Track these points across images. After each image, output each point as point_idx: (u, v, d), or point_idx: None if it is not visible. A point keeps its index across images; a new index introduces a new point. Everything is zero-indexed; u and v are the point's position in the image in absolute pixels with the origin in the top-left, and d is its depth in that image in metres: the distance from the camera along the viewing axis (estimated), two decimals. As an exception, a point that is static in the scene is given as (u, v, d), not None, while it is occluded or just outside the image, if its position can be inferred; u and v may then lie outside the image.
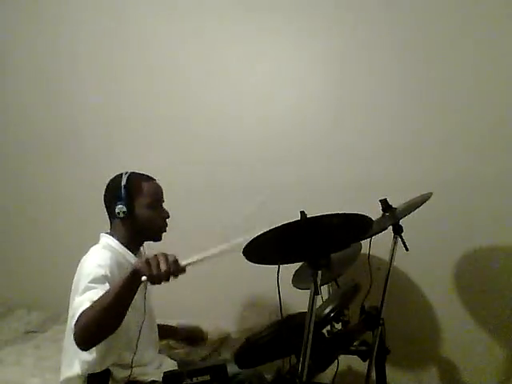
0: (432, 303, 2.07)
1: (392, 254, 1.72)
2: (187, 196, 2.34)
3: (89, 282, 1.36)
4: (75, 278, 1.46)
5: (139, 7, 2.45)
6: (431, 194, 1.72)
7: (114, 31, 2.50)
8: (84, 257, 1.50)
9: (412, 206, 1.69)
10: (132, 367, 1.47)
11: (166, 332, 1.80)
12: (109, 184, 1.58)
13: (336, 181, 2.14)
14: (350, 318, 1.62)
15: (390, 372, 1.84)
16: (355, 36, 2.12)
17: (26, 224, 2.74)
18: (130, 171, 1.58)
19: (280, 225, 1.16)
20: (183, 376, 1.29)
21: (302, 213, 1.25)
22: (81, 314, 1.26)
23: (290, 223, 1.17)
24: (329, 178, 2.15)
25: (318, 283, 1.27)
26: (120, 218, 1.52)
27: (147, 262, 1.18)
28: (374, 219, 1.35)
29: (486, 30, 1.95)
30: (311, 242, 1.24)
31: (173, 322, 2.08)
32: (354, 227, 1.31)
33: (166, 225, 1.60)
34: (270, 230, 1.16)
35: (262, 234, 1.16)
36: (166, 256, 1.19)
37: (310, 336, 1.28)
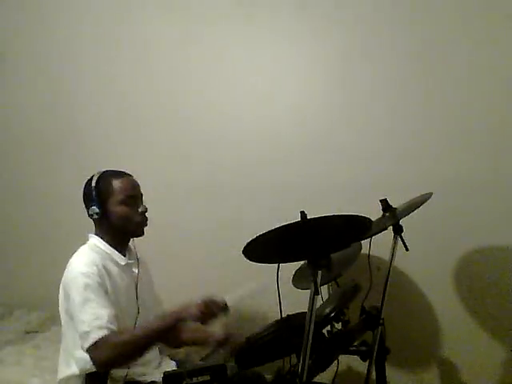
0: (432, 303, 2.07)
1: (392, 254, 1.72)
2: (187, 196, 2.34)
3: (84, 291, 1.37)
4: (63, 280, 1.46)
5: (139, 7, 2.45)
6: (431, 194, 1.72)
7: (114, 31, 2.50)
8: (71, 258, 1.50)
9: (412, 206, 1.69)
10: (130, 367, 1.47)
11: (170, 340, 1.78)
12: (83, 187, 1.59)
13: (336, 181, 2.14)
14: (350, 318, 1.61)
15: (390, 372, 1.83)
16: (356, 36, 2.12)
17: (26, 224, 2.74)
18: (102, 170, 1.58)
19: (280, 225, 1.16)
20: (183, 376, 1.29)
21: (302, 213, 1.25)
22: (100, 342, 1.30)
23: (290, 224, 1.17)
24: (329, 178, 2.15)
25: (318, 283, 1.27)
26: (95, 219, 1.53)
27: (201, 311, 1.33)
28: (373, 219, 1.36)
29: (486, 30, 1.95)
30: (311, 242, 1.24)
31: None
32: (354, 227, 1.31)
33: (145, 219, 1.57)
34: (271, 231, 1.16)
35: (262, 234, 1.16)
36: (214, 301, 1.36)
37: (310, 336, 1.28)
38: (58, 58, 2.62)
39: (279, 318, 1.42)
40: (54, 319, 2.37)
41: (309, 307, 1.28)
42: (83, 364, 1.41)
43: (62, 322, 1.49)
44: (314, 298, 1.27)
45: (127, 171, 1.60)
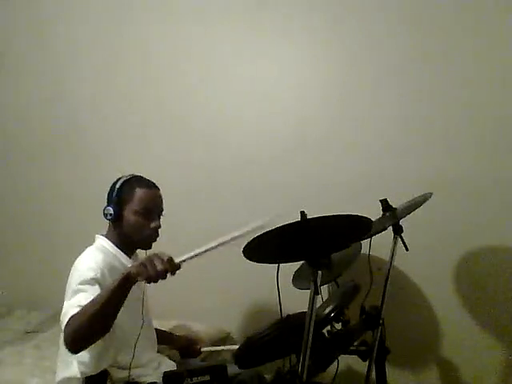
0: (432, 303, 2.07)
1: (392, 254, 1.72)
2: (187, 196, 2.34)
3: (78, 285, 1.36)
4: (68, 279, 1.46)
5: (140, 7, 2.45)
6: (431, 194, 1.72)
7: (114, 32, 2.50)
8: (78, 257, 1.50)
9: (412, 206, 1.69)
10: (130, 368, 1.47)
11: (162, 338, 1.79)
12: (110, 186, 1.58)
13: (336, 181, 2.14)
14: (350, 318, 1.61)
15: (390, 372, 1.84)
16: (356, 36, 2.12)
17: (26, 224, 2.73)
18: (133, 175, 1.58)
19: (280, 225, 1.16)
20: (183, 376, 1.29)
21: (302, 213, 1.25)
22: (70, 317, 1.26)
23: (290, 223, 1.17)
24: (329, 178, 2.15)
25: (318, 283, 1.27)
26: (109, 219, 1.53)
27: (142, 264, 1.18)
28: (373, 219, 1.35)
29: (487, 29, 1.95)
30: (311, 242, 1.24)
31: (174, 323, 2.09)
32: (353, 227, 1.31)
33: (156, 235, 1.56)
34: (271, 230, 1.16)
35: (262, 234, 1.16)
36: (159, 255, 1.20)
37: (310, 336, 1.28)
38: (58, 58, 2.62)
39: (279, 317, 1.42)
40: (54, 319, 2.36)
41: (309, 307, 1.28)
42: (83, 367, 1.42)
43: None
44: (314, 297, 1.27)
45: (131, 174, 1.59)
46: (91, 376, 1.42)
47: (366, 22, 2.10)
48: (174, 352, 1.86)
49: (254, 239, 1.16)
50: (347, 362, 2.08)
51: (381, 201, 1.73)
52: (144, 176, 1.62)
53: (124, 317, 1.41)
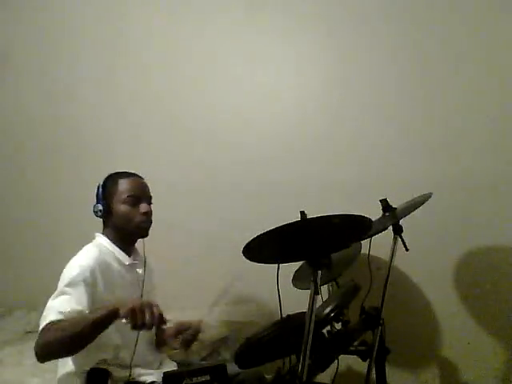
0: (432, 303, 2.07)
1: (392, 254, 1.72)
2: (187, 196, 2.34)
3: (64, 286, 1.37)
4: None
5: (140, 7, 2.45)
6: (431, 194, 1.72)
7: (114, 31, 2.50)
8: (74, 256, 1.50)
9: (412, 206, 1.69)
10: (131, 367, 1.47)
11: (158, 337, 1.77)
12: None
13: (336, 180, 2.14)
14: (350, 318, 1.61)
15: (390, 372, 1.84)
16: (355, 36, 2.12)
17: (25, 224, 2.73)
18: (116, 171, 1.59)
19: (280, 225, 1.16)
20: (183, 376, 1.29)
21: (302, 213, 1.25)
22: (48, 324, 1.26)
23: (290, 223, 1.17)
24: (329, 178, 2.15)
25: (318, 283, 1.27)
26: (100, 216, 1.55)
27: (132, 309, 1.18)
28: (373, 219, 1.35)
29: (486, 30, 1.95)
30: (311, 242, 1.24)
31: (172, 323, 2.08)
32: (354, 227, 1.31)
33: (148, 219, 1.57)
34: (271, 230, 1.16)
35: (262, 234, 1.16)
36: (151, 308, 1.20)
37: (310, 336, 1.28)
38: (59, 59, 2.62)
39: (279, 318, 1.42)
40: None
41: (309, 307, 1.28)
42: (78, 361, 1.42)
43: None
44: (314, 297, 1.27)
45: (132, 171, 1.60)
46: (92, 374, 1.43)
47: (366, 22, 2.10)
48: (175, 352, 1.85)
49: (254, 239, 1.16)
50: (347, 362, 2.08)
51: (381, 201, 1.73)
52: (143, 176, 1.63)
53: None
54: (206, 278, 2.24)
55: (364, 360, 1.71)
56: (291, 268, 1.85)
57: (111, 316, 1.21)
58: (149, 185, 1.63)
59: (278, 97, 2.25)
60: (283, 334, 1.38)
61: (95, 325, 1.22)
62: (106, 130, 2.54)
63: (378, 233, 1.62)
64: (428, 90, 2.03)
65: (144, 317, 1.17)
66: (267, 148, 2.26)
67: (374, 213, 1.68)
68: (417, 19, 2.04)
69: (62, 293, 1.36)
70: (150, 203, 1.60)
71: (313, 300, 1.27)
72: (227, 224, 2.26)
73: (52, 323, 1.26)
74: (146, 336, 1.57)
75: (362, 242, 1.88)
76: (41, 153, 2.68)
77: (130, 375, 1.48)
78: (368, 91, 2.11)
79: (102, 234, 1.58)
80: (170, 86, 2.40)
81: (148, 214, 1.57)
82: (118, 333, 1.45)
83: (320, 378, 1.47)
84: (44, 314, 1.31)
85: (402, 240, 1.70)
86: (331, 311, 1.52)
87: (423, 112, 2.04)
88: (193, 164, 2.37)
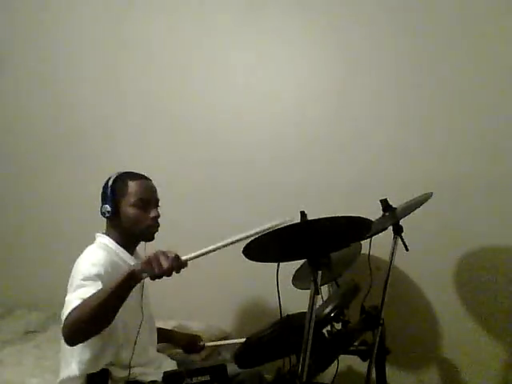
0: (432, 303, 2.07)
1: (392, 254, 1.72)
2: (187, 196, 2.34)
3: (81, 280, 1.36)
4: (70, 277, 1.46)
5: (139, 7, 2.45)
6: (431, 193, 1.72)
7: (115, 33, 2.50)
8: (79, 257, 1.50)
9: (412, 206, 1.69)
10: (130, 367, 1.47)
11: (163, 336, 1.80)
12: (102, 186, 1.58)
13: (336, 181, 2.14)
14: (350, 318, 1.61)
15: (390, 372, 1.84)
16: (356, 36, 2.12)
17: (26, 224, 2.74)
18: (121, 171, 1.58)
19: (280, 227, 1.16)
20: (183, 376, 1.29)
21: (302, 213, 1.25)
22: (71, 310, 1.26)
23: (290, 224, 1.17)
24: (329, 178, 2.15)
25: (318, 283, 1.27)
26: (107, 217, 1.53)
27: (148, 261, 1.18)
28: (373, 219, 1.36)
29: (486, 30, 1.95)
30: (311, 242, 1.24)
31: (174, 323, 2.09)
32: (353, 227, 1.31)
33: (157, 225, 1.57)
34: (270, 232, 1.16)
35: (262, 235, 1.16)
36: (165, 253, 1.19)
37: (310, 336, 1.28)
38: (58, 58, 2.62)
39: (279, 317, 1.42)
40: (54, 319, 2.36)
41: (309, 307, 1.28)
42: (82, 366, 1.42)
43: None
44: (314, 297, 1.27)
45: (119, 171, 1.59)
46: (93, 375, 1.42)
47: (366, 22, 2.10)
48: (175, 351, 1.86)
49: (254, 239, 1.16)
50: (347, 362, 2.08)
51: (381, 201, 1.73)
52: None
53: (126, 315, 1.41)
54: (206, 278, 2.24)
55: (364, 360, 1.71)
56: (291, 268, 1.85)
57: (130, 276, 1.20)
58: (149, 185, 1.63)
59: (277, 97, 2.25)
60: (283, 334, 1.38)
61: (117, 289, 1.21)
62: (106, 129, 2.55)
63: (378, 233, 1.62)
64: (428, 89, 2.03)
65: (160, 263, 1.17)
66: (267, 148, 2.26)
67: (374, 213, 1.68)
68: (418, 19, 2.04)
69: (80, 286, 1.35)
70: (157, 206, 1.60)
71: (313, 300, 1.27)
72: (227, 224, 2.26)
73: (74, 309, 1.26)
74: (146, 335, 1.57)
75: (361, 242, 1.88)
76: (41, 153, 2.68)
77: (129, 375, 1.48)
78: (368, 91, 2.11)
79: (105, 234, 1.57)
80: (170, 86, 2.40)
81: (157, 218, 1.57)
82: (122, 330, 1.45)
83: (320, 378, 1.47)
84: (65, 305, 1.31)
85: (402, 240, 1.70)
86: (331, 311, 1.52)
87: (423, 112, 2.04)
88: (193, 164, 2.37)
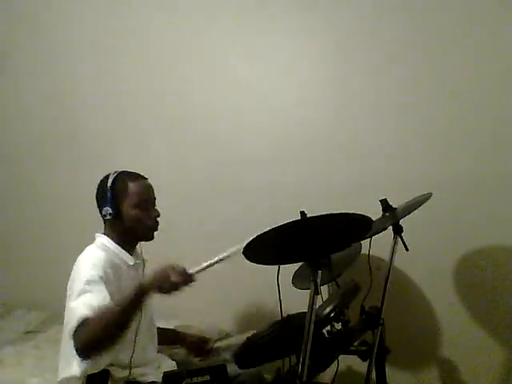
0: (432, 303, 2.07)
1: (392, 254, 1.72)
2: (187, 196, 2.34)
3: (84, 285, 1.36)
4: (70, 278, 1.46)
5: (139, 6, 2.45)
6: (431, 194, 1.72)
7: (114, 32, 2.50)
8: (79, 257, 1.50)
9: (412, 206, 1.69)
10: (131, 367, 1.47)
11: (167, 337, 1.79)
12: (98, 186, 1.58)
13: (336, 180, 2.14)
14: (350, 318, 1.61)
15: (390, 372, 1.84)
16: (355, 36, 2.12)
17: (25, 224, 2.74)
18: (118, 171, 1.57)
19: (280, 225, 1.16)
20: (183, 376, 1.29)
21: (302, 213, 1.25)
22: (81, 323, 1.27)
23: (289, 223, 1.17)
24: (329, 178, 2.15)
25: (318, 283, 1.27)
26: (107, 219, 1.53)
27: (156, 276, 1.23)
28: (374, 219, 1.35)
29: (486, 29, 1.95)
30: (311, 242, 1.24)
31: (177, 322, 2.08)
32: (354, 227, 1.31)
33: (157, 224, 1.58)
34: (270, 230, 1.16)
35: (262, 234, 1.16)
36: (173, 268, 1.23)
37: (310, 336, 1.28)
38: (58, 58, 2.62)
39: (279, 317, 1.42)
40: (54, 319, 2.37)
41: (309, 307, 1.28)
42: (84, 366, 1.41)
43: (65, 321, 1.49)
44: (314, 297, 1.27)
45: (116, 171, 1.58)
46: (93, 376, 1.42)
47: (366, 22, 2.10)
48: (175, 351, 1.85)
49: (254, 239, 1.16)
50: (347, 362, 2.08)
51: (381, 201, 1.73)
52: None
53: None
54: (206, 278, 2.24)
55: (364, 360, 1.71)
56: (291, 268, 1.85)
57: (140, 293, 1.25)
58: (149, 185, 1.64)
59: (278, 97, 2.25)
60: (283, 334, 1.38)
61: (131, 309, 1.26)
62: (105, 130, 2.55)
63: (378, 233, 1.62)
64: (428, 89, 2.03)
65: (169, 279, 1.21)
66: (267, 148, 2.25)
67: (374, 213, 1.68)
68: (418, 19, 2.03)
69: (84, 291, 1.36)
70: (155, 205, 1.60)
71: (313, 300, 1.27)
72: (227, 224, 2.26)
73: (86, 319, 1.28)
74: (146, 335, 1.57)
75: (361, 241, 1.88)
76: (41, 152, 2.68)
77: (129, 375, 1.48)
78: (368, 91, 2.11)
79: (104, 234, 1.57)
80: (170, 85, 2.40)
81: (158, 217, 1.58)
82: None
83: (320, 378, 1.47)
84: (72, 312, 1.32)
85: (402, 240, 1.70)
86: (331, 311, 1.52)
87: (423, 112, 2.04)
88: (193, 164, 2.37)
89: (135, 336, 1.48)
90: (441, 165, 2.02)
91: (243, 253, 1.20)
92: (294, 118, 2.22)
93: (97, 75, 2.55)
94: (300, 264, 1.88)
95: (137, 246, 1.63)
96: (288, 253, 1.31)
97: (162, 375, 1.33)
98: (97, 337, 1.25)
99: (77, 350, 1.27)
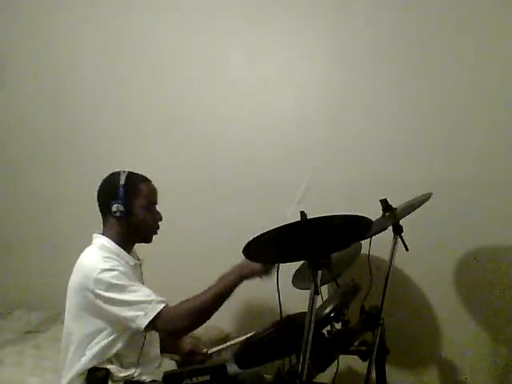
0: (432, 303, 2.07)
1: (392, 254, 1.72)
2: (187, 196, 2.34)
3: (114, 284, 1.40)
4: (74, 280, 1.46)
5: (139, 7, 2.45)
6: (431, 194, 1.72)
7: (114, 32, 2.50)
8: (80, 258, 1.50)
9: (412, 206, 1.69)
10: (137, 367, 1.48)
11: (169, 345, 1.79)
12: (105, 182, 1.58)
13: (336, 181, 2.14)
14: (350, 318, 1.61)
15: (390, 372, 1.83)
16: (355, 36, 2.12)
17: (26, 224, 2.74)
18: (127, 171, 1.58)
19: (280, 225, 1.16)
20: (183, 376, 1.29)
21: (302, 213, 1.25)
22: (165, 310, 1.40)
23: (290, 224, 1.17)
24: (329, 178, 2.15)
25: (318, 283, 1.27)
26: (115, 216, 1.53)
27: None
28: (373, 219, 1.35)
29: (485, 29, 1.95)
30: (311, 242, 1.24)
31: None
32: (354, 227, 1.31)
33: (158, 227, 1.61)
34: (271, 230, 1.16)
35: (262, 235, 1.16)
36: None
37: (310, 336, 1.28)
38: (58, 58, 2.62)
39: (279, 318, 1.42)
40: (54, 319, 2.37)
41: (309, 307, 1.28)
42: (97, 359, 1.43)
43: (69, 322, 1.49)
44: (313, 297, 1.27)
45: (124, 170, 1.59)
46: (93, 375, 1.43)
47: (367, 23, 2.10)
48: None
49: (254, 239, 1.16)
50: (347, 362, 2.08)
51: (381, 201, 1.73)
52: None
53: None
54: (206, 278, 2.24)
55: (364, 360, 1.70)
56: (291, 268, 1.85)
57: (239, 279, 1.44)
58: (149, 185, 1.64)
59: (278, 97, 2.25)
60: (283, 334, 1.38)
61: (224, 293, 1.45)
62: (106, 130, 2.55)
63: (377, 233, 1.62)
64: (428, 89, 2.03)
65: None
66: (267, 148, 2.25)
67: (374, 213, 1.68)
68: (418, 19, 2.03)
69: (122, 288, 1.41)
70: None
71: (313, 300, 1.27)
72: (227, 224, 2.26)
73: (166, 306, 1.41)
74: (146, 335, 1.57)
75: (361, 241, 1.88)
76: (41, 152, 2.68)
77: (129, 375, 1.48)
78: (368, 91, 2.11)
79: (102, 234, 1.57)
80: (171, 86, 2.40)
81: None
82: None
83: (320, 377, 1.47)
84: (131, 312, 1.39)
85: (402, 240, 1.70)
86: (331, 311, 1.52)
87: (423, 112, 2.04)
88: (193, 164, 2.37)
89: (144, 336, 1.48)
90: (441, 165, 2.02)
91: (243, 252, 1.20)
92: (294, 118, 2.22)
93: (97, 75, 2.55)
94: (300, 264, 1.88)
95: (133, 247, 1.64)
96: (288, 253, 1.31)
97: (162, 375, 1.33)
98: (199, 309, 1.41)
99: (178, 327, 1.42)
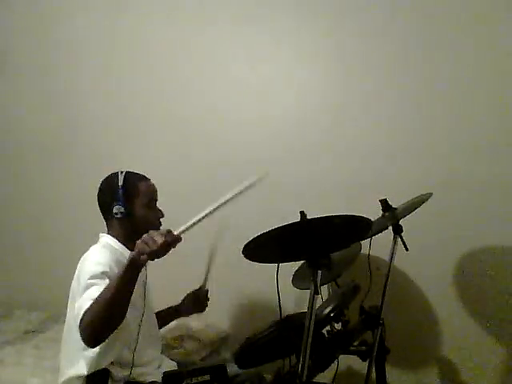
0: (432, 303, 2.07)
1: (392, 254, 1.72)
2: (187, 196, 2.34)
3: (88, 279, 1.37)
4: (75, 277, 1.46)
5: (139, 7, 2.45)
6: (431, 194, 1.72)
7: (114, 32, 2.50)
8: (83, 255, 1.50)
9: (412, 206, 1.69)
10: (132, 367, 1.47)
11: (169, 316, 1.83)
12: (104, 184, 1.59)
13: (336, 181, 2.14)
14: (350, 318, 1.61)
15: (390, 372, 1.83)
16: (355, 36, 2.12)
17: (26, 224, 2.74)
18: (124, 171, 1.58)
19: (280, 226, 1.16)
20: (183, 376, 1.29)
21: (302, 213, 1.25)
22: (84, 312, 1.27)
23: (289, 224, 1.17)
24: (329, 178, 2.15)
25: (318, 283, 1.27)
26: (118, 218, 1.53)
27: (142, 241, 1.23)
28: (373, 219, 1.36)
29: (485, 29, 1.95)
30: (311, 242, 1.24)
31: (174, 323, 2.08)
32: (354, 227, 1.31)
33: (160, 224, 1.61)
34: (271, 231, 1.16)
35: (262, 235, 1.16)
36: (157, 231, 1.25)
37: (310, 336, 1.28)
38: (58, 58, 2.63)
39: (279, 317, 1.42)
40: (54, 319, 2.37)
41: (309, 307, 1.28)
42: (94, 362, 1.41)
43: (70, 321, 1.49)
44: (313, 297, 1.27)
45: (122, 171, 1.59)
46: (93, 376, 1.42)
47: (367, 22, 2.10)
48: (175, 352, 1.86)
49: (254, 239, 1.16)
50: (347, 362, 2.08)
51: (381, 201, 1.73)
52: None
53: (128, 313, 1.41)
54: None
55: (364, 360, 1.70)
56: (291, 268, 1.85)
57: (131, 264, 1.24)
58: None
59: (278, 97, 2.25)
60: (283, 334, 1.38)
61: (123, 279, 1.25)
62: (106, 130, 2.55)
63: (377, 233, 1.62)
64: (428, 89, 2.03)
65: (155, 241, 1.22)
66: (267, 148, 2.25)
67: (374, 213, 1.68)
68: (418, 19, 2.03)
69: (87, 286, 1.36)
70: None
71: (313, 300, 1.27)
72: (227, 224, 2.25)
73: (87, 309, 1.28)
74: (146, 335, 1.57)
75: (361, 242, 1.88)
76: (41, 152, 2.68)
77: (130, 375, 1.48)
78: (368, 91, 2.11)
79: (108, 234, 1.58)
80: (171, 86, 2.40)
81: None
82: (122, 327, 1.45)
83: (320, 378, 1.47)
84: (77, 308, 1.32)
85: (402, 240, 1.70)
86: (331, 311, 1.52)
87: (424, 112, 2.04)
88: (193, 164, 2.37)
89: (138, 334, 1.48)
90: (441, 165, 2.02)
91: (243, 253, 1.21)
92: (295, 118, 2.22)
93: (97, 75, 2.55)
94: (300, 264, 1.88)
95: None
96: (288, 253, 1.31)
97: (161, 375, 1.33)
98: (96, 319, 1.24)
99: (83, 339, 1.27)
